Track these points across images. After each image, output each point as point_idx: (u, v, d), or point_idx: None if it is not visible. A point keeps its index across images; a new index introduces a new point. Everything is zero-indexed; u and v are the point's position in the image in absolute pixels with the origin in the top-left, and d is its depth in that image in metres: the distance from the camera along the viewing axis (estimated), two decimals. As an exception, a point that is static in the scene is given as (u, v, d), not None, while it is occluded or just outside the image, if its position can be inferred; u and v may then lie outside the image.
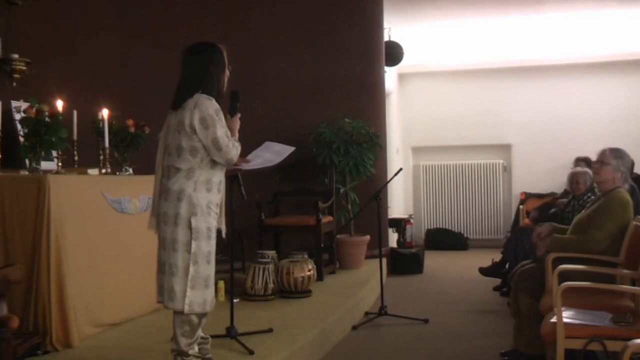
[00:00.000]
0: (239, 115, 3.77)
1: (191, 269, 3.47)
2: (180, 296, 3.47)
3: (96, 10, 6.91)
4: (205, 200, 3.51)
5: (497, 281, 7.37)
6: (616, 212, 4.34)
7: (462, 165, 11.70)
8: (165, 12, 7.46)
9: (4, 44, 5.60)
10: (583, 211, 4.81)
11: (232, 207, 4.17)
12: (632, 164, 5.20)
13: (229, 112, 3.78)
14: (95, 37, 6.78)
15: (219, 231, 3.70)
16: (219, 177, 3.61)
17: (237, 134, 3.71)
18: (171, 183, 3.53)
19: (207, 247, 3.51)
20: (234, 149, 3.55)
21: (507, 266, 7.16)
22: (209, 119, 3.46)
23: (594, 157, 4.85)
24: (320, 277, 6.60)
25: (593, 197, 5.50)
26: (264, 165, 4.10)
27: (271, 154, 4.15)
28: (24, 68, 5.67)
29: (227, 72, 3.72)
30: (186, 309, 3.47)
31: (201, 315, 3.58)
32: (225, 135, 3.50)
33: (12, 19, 5.67)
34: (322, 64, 8.03)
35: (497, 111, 11.47)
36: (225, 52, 3.71)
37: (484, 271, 7.57)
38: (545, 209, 7.68)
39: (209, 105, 3.49)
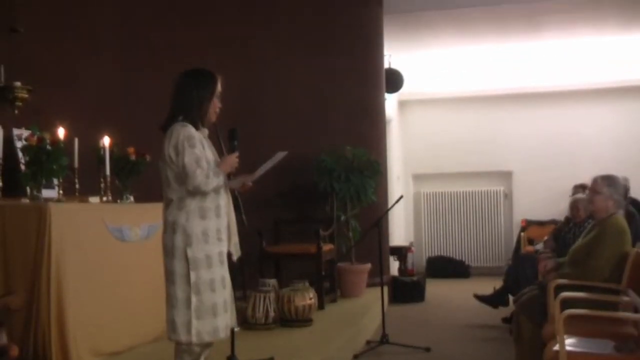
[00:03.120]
0: (236, 153, 3.69)
1: (194, 299, 3.41)
2: (182, 328, 3.43)
3: (98, 38, 6.97)
4: (201, 228, 3.45)
5: (506, 312, 7.04)
6: (612, 240, 4.35)
7: (463, 193, 11.70)
8: (167, 40, 7.52)
9: (6, 71, 5.62)
10: (578, 240, 4.81)
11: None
12: (626, 189, 5.18)
13: (228, 149, 3.75)
14: (97, 65, 6.82)
15: (229, 255, 3.64)
16: (214, 202, 3.52)
17: (228, 170, 3.59)
18: (167, 214, 3.51)
19: (208, 275, 3.45)
20: (200, 176, 3.39)
21: (509, 296, 7.01)
22: (180, 146, 3.41)
23: None
24: (321, 306, 6.56)
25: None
26: (261, 173, 3.99)
27: (270, 161, 4.05)
28: (26, 96, 5.66)
29: (218, 103, 3.63)
30: (194, 339, 3.42)
31: (204, 346, 3.55)
32: (194, 162, 3.40)
33: (14, 46, 5.70)
34: (323, 91, 8.05)
35: (498, 138, 11.49)
36: (221, 82, 3.63)
37: (479, 298, 7.42)
38: (559, 236, 7.37)
39: (181, 132, 3.44)
